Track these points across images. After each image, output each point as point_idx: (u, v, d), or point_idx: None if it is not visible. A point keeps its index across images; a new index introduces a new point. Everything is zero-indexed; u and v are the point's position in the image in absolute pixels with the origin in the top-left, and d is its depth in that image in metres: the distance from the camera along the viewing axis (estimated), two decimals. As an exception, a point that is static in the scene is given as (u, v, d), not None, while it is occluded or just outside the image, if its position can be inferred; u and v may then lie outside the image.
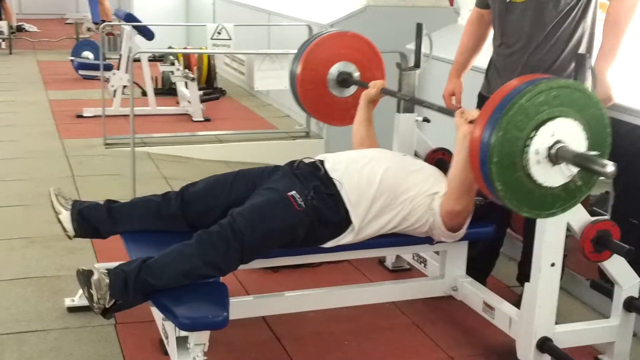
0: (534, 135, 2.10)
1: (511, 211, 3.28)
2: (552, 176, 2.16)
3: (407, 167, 2.77)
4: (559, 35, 2.78)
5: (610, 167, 2.02)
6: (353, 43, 3.38)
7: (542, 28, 2.79)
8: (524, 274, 3.09)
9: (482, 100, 3.14)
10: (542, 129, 2.10)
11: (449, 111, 2.73)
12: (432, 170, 2.84)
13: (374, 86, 3.16)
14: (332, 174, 2.67)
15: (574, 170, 2.15)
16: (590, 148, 2.16)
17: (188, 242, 2.40)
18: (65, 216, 2.67)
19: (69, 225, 2.66)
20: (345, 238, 2.63)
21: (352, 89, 3.39)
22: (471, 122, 2.44)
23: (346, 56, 3.35)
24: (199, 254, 2.37)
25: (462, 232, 2.72)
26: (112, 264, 2.39)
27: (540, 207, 2.21)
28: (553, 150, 2.12)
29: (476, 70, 3.25)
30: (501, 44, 2.95)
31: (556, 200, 2.21)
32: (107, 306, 2.28)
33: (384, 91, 3.16)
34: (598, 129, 2.18)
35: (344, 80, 3.36)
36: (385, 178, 2.66)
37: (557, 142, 2.12)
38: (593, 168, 2.06)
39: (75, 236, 2.70)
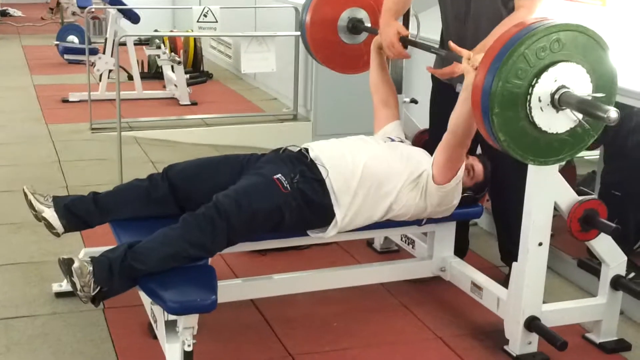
0: (536, 83, 2.04)
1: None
2: (558, 122, 2.10)
3: (390, 155, 2.74)
4: None
5: (612, 112, 1.97)
6: None
7: None
8: (506, 254, 3.10)
9: (434, 80, 3.08)
10: (544, 75, 2.05)
11: (456, 56, 2.56)
12: (418, 154, 2.80)
13: None
14: (317, 162, 2.65)
15: (579, 115, 2.10)
16: (595, 91, 2.10)
17: (174, 226, 2.40)
18: (51, 214, 2.60)
19: (57, 223, 2.60)
20: (329, 232, 2.62)
21: (363, 36, 3.28)
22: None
23: (356, 2, 3.24)
24: (185, 235, 2.36)
25: (453, 188, 2.66)
26: (100, 249, 2.38)
27: (546, 154, 2.16)
28: (557, 96, 2.06)
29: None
30: (454, 15, 2.89)
31: (563, 146, 2.16)
32: (92, 294, 2.26)
33: None
34: (603, 71, 2.12)
35: (354, 27, 3.25)
36: (368, 167, 2.64)
37: (561, 87, 2.06)
38: (595, 114, 2.00)
39: (63, 232, 2.64)
